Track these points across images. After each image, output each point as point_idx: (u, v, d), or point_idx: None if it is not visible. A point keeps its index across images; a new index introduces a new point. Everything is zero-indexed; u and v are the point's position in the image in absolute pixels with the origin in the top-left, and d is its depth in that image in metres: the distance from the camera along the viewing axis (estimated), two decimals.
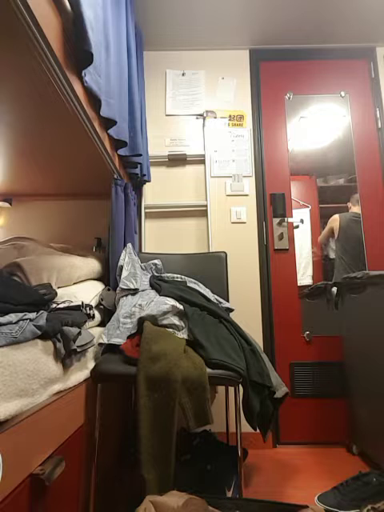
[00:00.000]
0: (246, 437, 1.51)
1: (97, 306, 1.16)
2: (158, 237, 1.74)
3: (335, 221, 1.78)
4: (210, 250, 1.67)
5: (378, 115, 1.84)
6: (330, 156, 1.85)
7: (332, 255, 1.77)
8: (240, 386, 0.92)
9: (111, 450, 1.13)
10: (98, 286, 1.24)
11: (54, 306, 0.90)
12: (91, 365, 0.95)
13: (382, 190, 1.78)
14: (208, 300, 1.25)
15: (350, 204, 1.80)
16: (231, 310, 1.36)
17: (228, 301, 1.44)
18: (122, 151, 1.29)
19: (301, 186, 1.81)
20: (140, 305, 1.11)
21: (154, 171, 1.78)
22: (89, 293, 1.13)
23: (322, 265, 1.76)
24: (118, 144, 1.26)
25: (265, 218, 1.75)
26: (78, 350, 0.82)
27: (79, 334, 0.84)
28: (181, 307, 1.10)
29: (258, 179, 1.78)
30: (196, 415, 0.83)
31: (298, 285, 1.70)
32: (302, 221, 1.77)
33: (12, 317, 0.68)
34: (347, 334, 1.47)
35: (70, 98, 0.88)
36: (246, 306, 1.65)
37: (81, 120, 0.98)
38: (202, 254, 1.59)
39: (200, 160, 1.80)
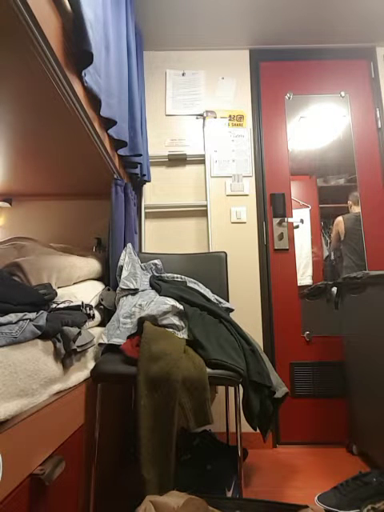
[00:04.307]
0: (246, 437, 1.51)
1: (97, 306, 1.16)
2: (158, 237, 1.74)
3: (340, 223, 1.78)
4: (210, 250, 1.67)
5: (378, 115, 1.84)
6: (330, 156, 1.85)
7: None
8: (240, 385, 0.92)
9: (111, 449, 1.13)
10: (98, 286, 1.24)
11: (54, 305, 0.90)
12: (91, 365, 0.95)
13: (382, 190, 1.78)
14: (208, 300, 1.25)
15: (350, 202, 1.80)
16: (231, 310, 1.35)
17: (228, 301, 1.44)
18: (122, 151, 1.29)
19: (301, 186, 1.81)
20: (140, 305, 1.11)
21: (154, 171, 1.78)
22: (89, 293, 1.14)
23: (322, 265, 1.76)
24: (118, 144, 1.26)
25: (265, 217, 1.75)
26: (78, 350, 0.82)
27: (79, 333, 0.84)
28: (181, 307, 1.10)
29: (257, 179, 1.78)
30: (196, 415, 0.83)
31: (298, 285, 1.70)
32: (301, 221, 1.77)
33: (12, 317, 0.68)
34: (347, 334, 1.47)
35: (69, 97, 0.88)
36: (246, 306, 1.65)
37: (81, 120, 0.98)
38: (202, 254, 1.59)
39: (200, 160, 1.80)
